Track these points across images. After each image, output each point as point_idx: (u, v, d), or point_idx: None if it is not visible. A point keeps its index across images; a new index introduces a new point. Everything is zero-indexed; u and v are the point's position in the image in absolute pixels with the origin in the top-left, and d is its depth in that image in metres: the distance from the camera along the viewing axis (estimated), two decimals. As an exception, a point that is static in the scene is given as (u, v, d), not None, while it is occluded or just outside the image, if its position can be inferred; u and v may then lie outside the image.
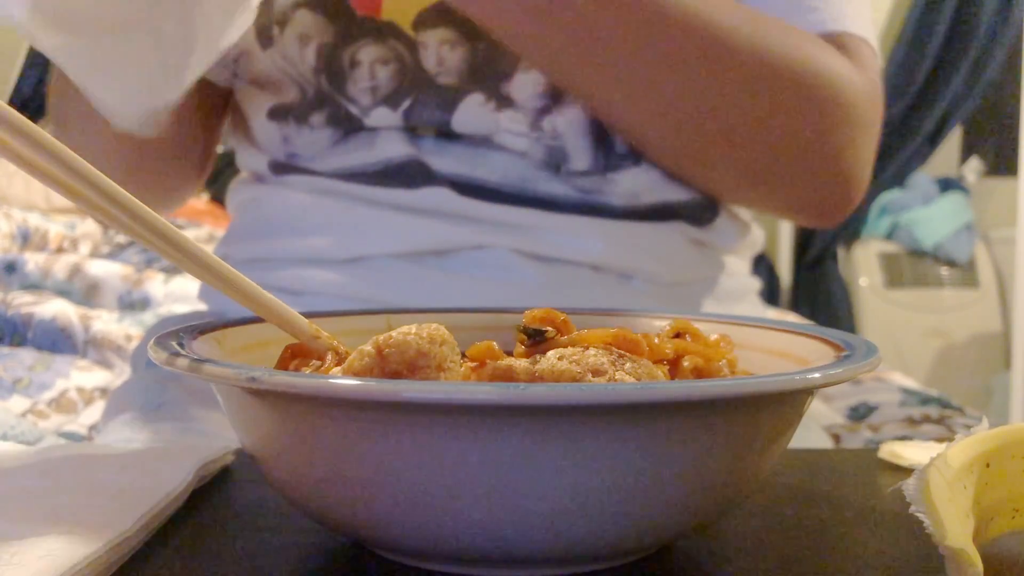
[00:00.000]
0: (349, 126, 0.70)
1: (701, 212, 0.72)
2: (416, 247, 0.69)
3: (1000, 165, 2.92)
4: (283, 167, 0.73)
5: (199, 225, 2.50)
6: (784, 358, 0.40)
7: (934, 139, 2.92)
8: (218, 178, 2.79)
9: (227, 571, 0.34)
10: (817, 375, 0.31)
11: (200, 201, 2.80)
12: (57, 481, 0.40)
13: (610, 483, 0.29)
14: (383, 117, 0.69)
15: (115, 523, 0.34)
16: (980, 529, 0.34)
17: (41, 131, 0.29)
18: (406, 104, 0.69)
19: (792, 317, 1.12)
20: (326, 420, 0.30)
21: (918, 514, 0.30)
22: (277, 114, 0.73)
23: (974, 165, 2.98)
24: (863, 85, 0.68)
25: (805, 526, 0.39)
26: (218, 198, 2.82)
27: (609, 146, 0.69)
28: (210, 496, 0.42)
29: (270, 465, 0.34)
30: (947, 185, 2.91)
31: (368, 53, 0.69)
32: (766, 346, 0.41)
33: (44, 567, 0.31)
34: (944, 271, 2.87)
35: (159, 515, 0.37)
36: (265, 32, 0.70)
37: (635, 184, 0.69)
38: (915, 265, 2.88)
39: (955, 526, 0.29)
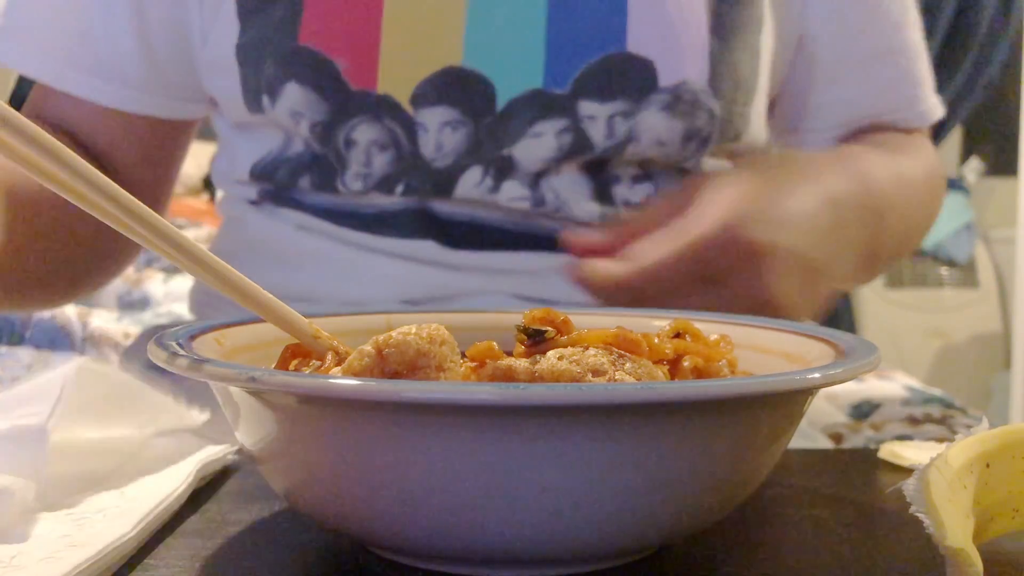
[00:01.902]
0: (339, 191, 0.67)
1: None
2: (412, 294, 0.66)
3: (1000, 165, 2.92)
4: (272, 197, 0.70)
5: (199, 225, 2.50)
6: (784, 358, 0.40)
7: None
8: (218, 178, 2.79)
9: (227, 571, 0.34)
10: (817, 375, 0.31)
11: (200, 201, 2.80)
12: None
13: (610, 483, 0.29)
14: (375, 198, 0.66)
15: (115, 523, 0.34)
16: (980, 529, 0.34)
17: (41, 131, 0.29)
18: (399, 188, 0.66)
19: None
20: (326, 420, 0.30)
21: (918, 514, 0.30)
22: (262, 177, 0.69)
23: (974, 165, 2.98)
24: (937, 158, 0.79)
25: (805, 526, 0.39)
26: (218, 198, 2.81)
27: (611, 202, 0.67)
28: (210, 496, 0.42)
29: (270, 465, 0.34)
30: (947, 185, 2.91)
31: (364, 133, 0.64)
32: (766, 346, 0.41)
33: (44, 569, 0.31)
34: (944, 271, 2.87)
35: (159, 515, 0.37)
36: (254, 97, 0.67)
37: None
38: (915, 265, 2.88)
39: (955, 526, 0.29)
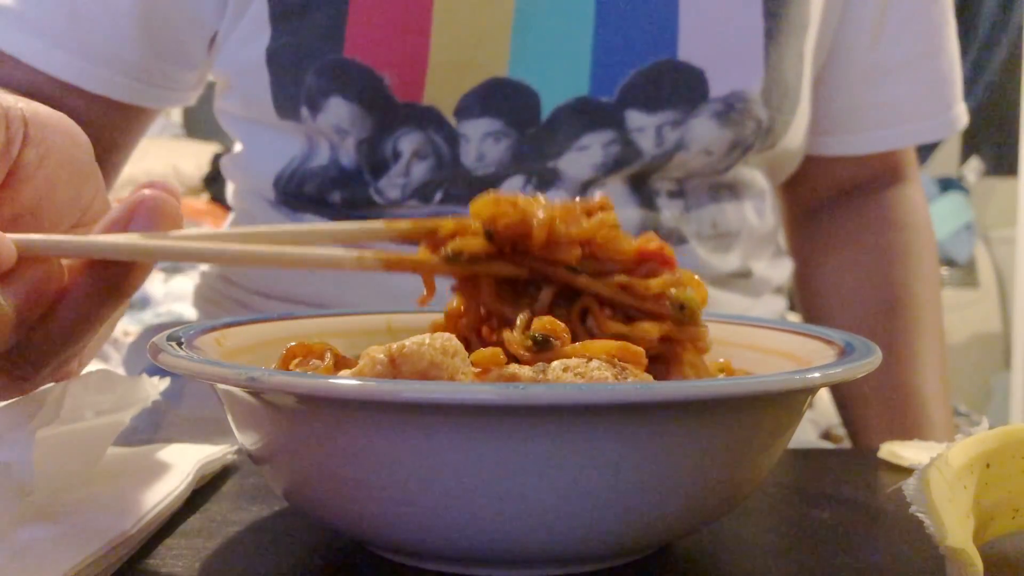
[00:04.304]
0: (374, 202, 0.66)
1: (735, 279, 0.71)
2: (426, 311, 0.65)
3: (1000, 165, 2.92)
4: (293, 202, 0.68)
5: (199, 225, 2.50)
6: (784, 358, 0.40)
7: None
8: (218, 178, 2.79)
9: (227, 571, 0.34)
10: (817, 375, 0.31)
11: (200, 201, 2.80)
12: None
13: (610, 483, 0.29)
14: (412, 206, 0.65)
15: (115, 523, 0.34)
16: (980, 529, 0.34)
17: None
18: (438, 196, 0.64)
19: (792, 317, 1.13)
20: (326, 420, 0.30)
21: (918, 514, 0.30)
22: (287, 190, 0.67)
23: (974, 165, 2.98)
24: (925, 211, 0.82)
25: (805, 526, 0.39)
26: (218, 198, 2.81)
27: (655, 209, 0.66)
28: (210, 496, 0.42)
29: (270, 465, 0.34)
30: (947, 185, 2.91)
31: (408, 142, 0.63)
32: (766, 346, 0.41)
33: (44, 567, 0.31)
34: (944, 271, 2.86)
35: (159, 515, 0.37)
36: (291, 105, 0.64)
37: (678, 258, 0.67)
38: (915, 265, 2.87)
39: (955, 526, 0.29)
